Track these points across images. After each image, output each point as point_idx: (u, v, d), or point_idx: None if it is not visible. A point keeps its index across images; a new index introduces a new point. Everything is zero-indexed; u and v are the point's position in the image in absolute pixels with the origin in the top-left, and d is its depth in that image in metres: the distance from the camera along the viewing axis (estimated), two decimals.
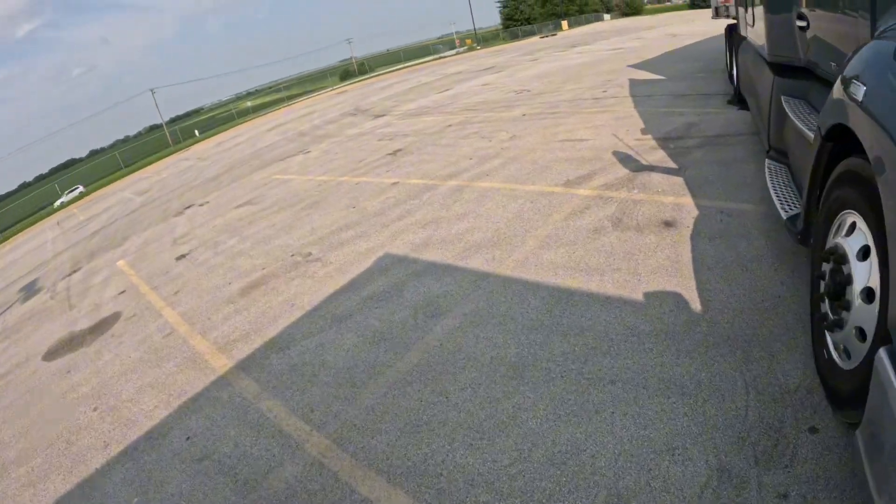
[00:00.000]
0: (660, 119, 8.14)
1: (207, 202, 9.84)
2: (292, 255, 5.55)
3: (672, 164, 5.98)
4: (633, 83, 11.79)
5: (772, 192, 3.25)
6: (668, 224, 4.30)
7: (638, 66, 14.67)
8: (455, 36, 57.15)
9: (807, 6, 3.08)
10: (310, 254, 5.45)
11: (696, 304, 2.95)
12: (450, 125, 10.40)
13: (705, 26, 28.42)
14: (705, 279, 3.20)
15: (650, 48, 19.12)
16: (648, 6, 76.92)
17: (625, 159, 6.41)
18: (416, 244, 5.02)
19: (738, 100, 7.96)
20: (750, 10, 5.18)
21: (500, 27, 72.74)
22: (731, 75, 9.82)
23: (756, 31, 4.76)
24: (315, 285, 4.71)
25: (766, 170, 3.63)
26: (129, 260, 7.80)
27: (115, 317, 5.67)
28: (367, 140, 10.78)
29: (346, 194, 7.28)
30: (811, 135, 2.62)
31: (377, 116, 13.91)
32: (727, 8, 8.24)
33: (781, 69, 3.82)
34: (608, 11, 66.11)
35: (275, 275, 5.19)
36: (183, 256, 6.87)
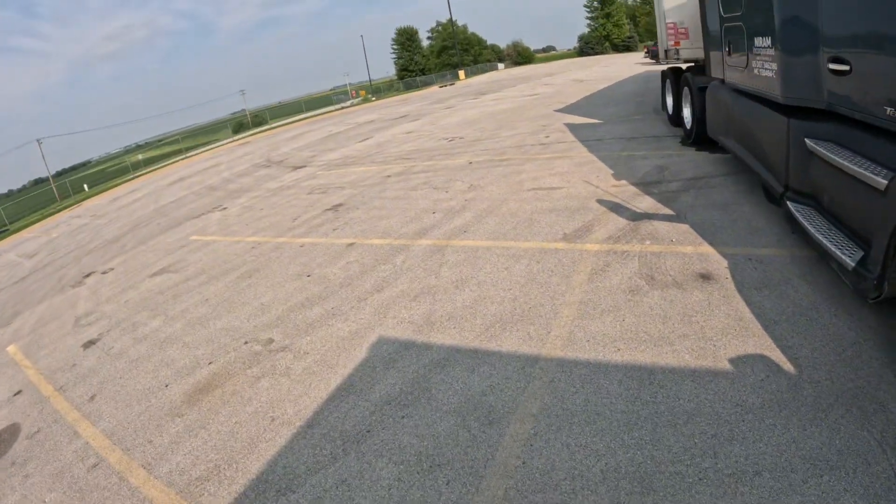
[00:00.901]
0: (625, 163, 8.07)
1: (112, 269, 8.21)
2: (246, 343, 4.44)
3: (668, 211, 5.76)
4: (573, 127, 11.94)
5: (819, 237, 3.25)
6: (706, 277, 4.06)
7: (565, 111, 15.09)
8: (349, 87, 57.49)
9: (850, 51, 3.14)
10: (271, 340, 4.39)
11: (787, 365, 2.83)
12: (388, 175, 9.76)
13: (605, 71, 30.96)
14: (779, 335, 3.11)
15: (566, 93, 20.04)
16: (538, 55, 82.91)
17: (615, 208, 6.11)
18: (416, 323, 4.20)
19: (698, 141, 8.16)
20: (739, 54, 5.26)
21: (395, 78, 74.67)
22: (673, 117, 10.16)
23: (750, 74, 4.85)
24: (296, 387, 3.69)
25: (796, 213, 3.66)
26: (21, 345, 6.07)
27: (13, 432, 4.14)
28: (295, 194, 9.80)
29: (293, 259, 6.27)
30: (879, 180, 2.66)
31: (297, 168, 12.93)
32: (677, 51, 8.45)
33: (797, 112, 3.90)
34: (501, 61, 70.24)
35: (229, 372, 4.07)
36: (92, 343, 5.39)
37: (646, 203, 6.18)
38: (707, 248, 4.66)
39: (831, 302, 3.37)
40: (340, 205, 8.28)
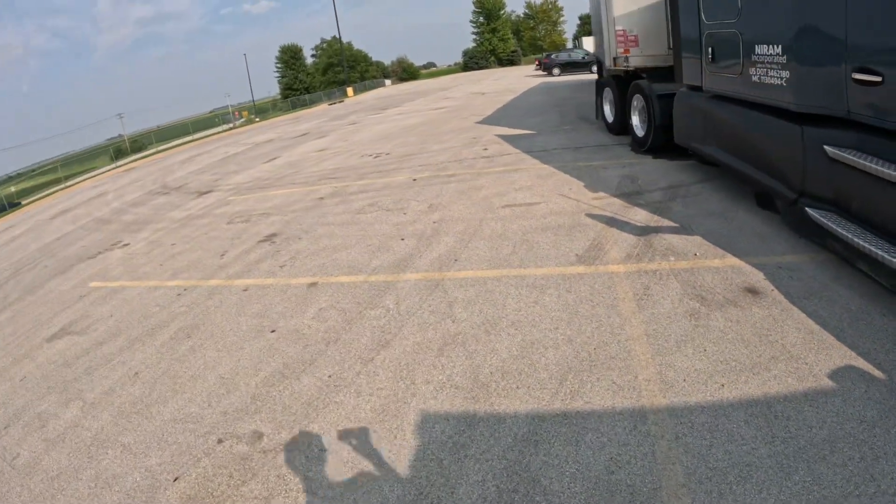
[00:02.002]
0: (590, 174, 7.68)
1: None
2: (221, 442, 3.17)
3: (670, 223, 5.43)
4: (508, 139, 11.50)
5: (858, 240, 3.36)
6: (752, 291, 3.84)
7: (487, 123, 14.71)
8: (230, 108, 54.19)
9: (882, 63, 3.26)
10: (258, 434, 3.18)
11: (875, 372, 2.83)
12: (320, 198, 8.60)
13: (500, 84, 31.57)
14: (851, 342, 3.10)
15: (474, 106, 19.82)
16: (422, 71, 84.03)
17: (612, 222, 5.62)
18: (462, 387, 3.27)
19: (655, 149, 8.13)
20: (729, 61, 5.25)
21: (279, 97, 72.31)
22: (614, 125, 10.01)
23: (746, 82, 4.90)
24: None
25: (821, 219, 3.80)
26: None
27: None
28: (211, 224, 8.30)
29: (241, 309, 5.00)
30: None
31: (202, 194, 11.20)
32: (626, 59, 8.23)
33: (810, 120, 4.02)
34: (387, 77, 70.21)
35: (212, 494, 2.84)
36: None
37: (640, 215, 5.74)
38: (734, 261, 4.40)
39: (875, 302, 3.47)
40: (275, 235, 7.02)
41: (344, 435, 3.03)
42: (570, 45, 65.57)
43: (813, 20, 3.91)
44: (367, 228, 6.60)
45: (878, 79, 3.25)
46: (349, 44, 75.75)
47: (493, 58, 70.24)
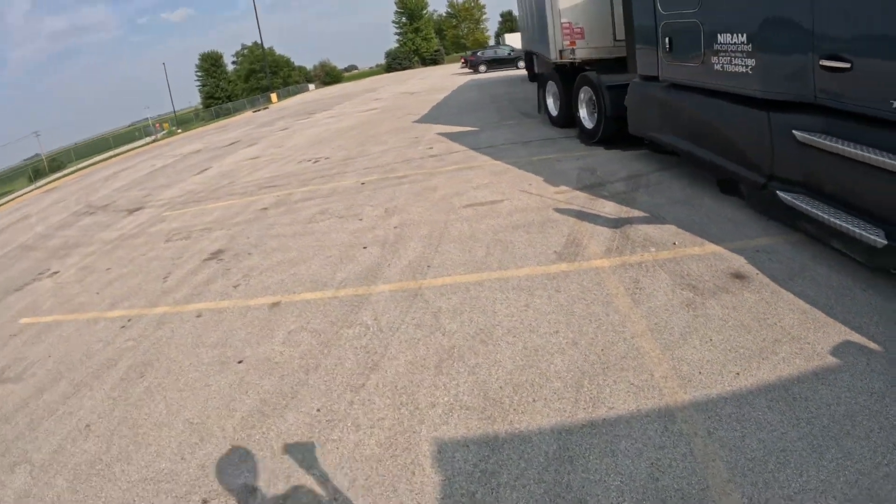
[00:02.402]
0: (546, 168, 7.60)
1: None
2: (206, 503, 2.75)
3: (640, 213, 5.45)
4: (452, 136, 11.32)
5: (835, 220, 3.48)
6: (739, 276, 3.89)
7: (425, 122, 14.49)
8: (151, 120, 50.97)
9: (851, 51, 3.39)
10: (250, 489, 2.75)
11: (871, 345, 2.94)
12: (264, 208, 8.07)
13: (428, 83, 31.48)
14: (843, 318, 3.20)
15: (407, 106, 19.56)
16: (345, 74, 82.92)
17: (583, 216, 5.53)
18: (473, 407, 3.01)
19: (605, 139, 8.21)
20: (688, 50, 5.30)
21: (200, 107, 69.52)
22: (559, 118, 10.02)
23: (707, 70, 5.00)
24: None
25: (795, 201, 3.91)
26: None
27: None
28: (148, 244, 7.56)
29: (198, 338, 4.49)
30: None
31: (132, 211, 10.24)
32: (573, 51, 8.21)
33: (775, 106, 4.17)
34: (310, 82, 68.71)
35: None
36: None
37: (609, 207, 5.69)
38: (713, 247, 4.42)
39: (853, 278, 3.61)
40: (221, 251, 6.47)
41: (352, 478, 2.68)
42: (492, 42, 66.41)
43: (779, 10, 4.00)
44: (323, 238, 6.19)
45: (847, 65, 3.38)
46: (271, 49, 73.75)
47: (416, 58, 70.15)
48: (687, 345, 3.21)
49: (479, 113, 14.77)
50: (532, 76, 21.13)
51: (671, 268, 4.23)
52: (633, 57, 6.66)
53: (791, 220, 4.15)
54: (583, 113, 8.95)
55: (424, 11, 74.34)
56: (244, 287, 5.26)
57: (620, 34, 8.16)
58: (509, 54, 35.74)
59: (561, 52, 8.61)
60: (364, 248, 5.65)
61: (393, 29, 75.11)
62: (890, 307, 3.26)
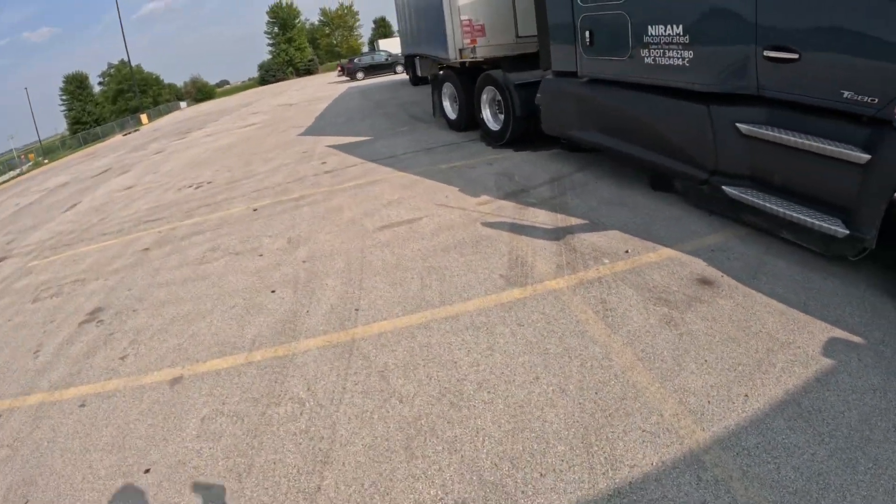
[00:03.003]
0: (459, 176, 7.03)
1: None
2: None
3: (578, 220, 5.10)
4: (344, 148, 10.46)
5: (793, 214, 3.38)
6: (706, 281, 3.63)
7: (311, 134, 13.49)
8: (15, 152, 43.86)
9: (798, 41, 3.30)
10: None
11: (854, 338, 2.88)
12: (145, 249, 6.71)
13: (306, 94, 30.11)
14: (819, 314, 3.10)
15: (288, 118, 18.30)
16: (217, 90, 78.35)
17: (516, 229, 5.05)
18: (468, 498, 2.26)
19: (514, 140, 7.81)
20: (614, 44, 5.02)
21: (67, 133, 62.26)
22: (458, 121, 9.49)
23: (638, 64, 4.75)
24: None
25: (740, 195, 3.80)
26: None
27: None
28: (13, 305, 5.76)
29: (86, 441, 3.27)
30: (860, 155, 2.99)
31: None
32: (473, 50, 7.68)
33: (714, 99, 4.04)
34: (181, 99, 63.98)
35: None
36: None
37: (541, 216, 5.20)
38: (668, 251, 4.11)
39: (810, 268, 3.57)
40: (100, 310, 5.12)
41: None
42: (365, 49, 65.44)
43: (722, 3, 3.82)
44: (221, 283, 5.11)
45: (795, 56, 3.28)
46: (139, 67, 67.42)
47: (290, 69, 67.43)
48: (684, 371, 2.80)
49: (368, 120, 13.94)
50: (415, 80, 20.63)
51: (633, 280, 3.78)
52: (546, 53, 6.23)
53: (735, 213, 4.04)
54: (487, 114, 8.44)
55: (297, 20, 71.73)
56: (134, 358, 4.08)
57: (523, 30, 7.74)
58: (386, 60, 35.14)
59: (461, 51, 8.02)
60: (272, 292, 4.67)
61: (265, 40, 71.82)
62: (856, 293, 3.24)
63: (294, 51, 68.78)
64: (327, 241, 5.55)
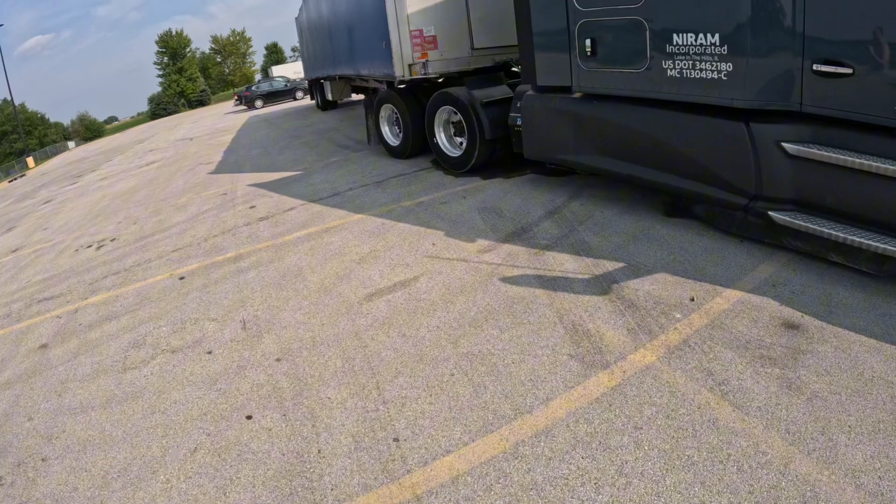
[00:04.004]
0: (434, 216, 5.78)
1: None
2: None
3: (613, 263, 4.10)
4: (272, 187, 8.78)
5: (855, 238, 3.05)
6: (792, 326, 3.00)
7: (225, 172, 11.57)
8: None
9: (852, 55, 2.95)
10: None
11: None
12: (42, 346, 4.66)
13: (204, 126, 27.19)
14: None
15: (192, 155, 16.00)
16: (107, 126, 71.24)
17: (550, 283, 4.03)
18: None
19: (480, 167, 6.75)
20: (625, 54, 4.22)
21: None
22: (402, 148, 8.22)
23: (658, 77, 3.96)
24: None
25: (792, 221, 3.38)
26: None
27: None
28: None
29: None
30: None
31: None
32: (425, 65, 6.43)
33: (754, 116, 3.51)
34: (68, 139, 56.98)
35: None
36: None
37: (568, 262, 4.12)
38: (732, 293, 3.41)
39: (872, 293, 3.18)
40: None
41: None
42: (258, 76, 61.94)
43: (763, 7, 3.28)
44: (164, 405, 3.40)
45: (849, 71, 2.96)
46: (22, 105, 59.02)
47: (182, 100, 62.23)
48: (838, 446, 2.18)
49: (289, 152, 12.20)
50: (324, 105, 19.02)
51: (722, 338, 2.94)
52: (528, 65, 5.11)
53: (772, 238, 3.64)
54: (442, 138, 7.18)
55: (188, 49, 66.35)
56: None
57: (479, 41, 6.58)
58: (285, 86, 32.95)
59: (411, 66, 6.69)
60: (248, 418, 3.09)
61: (155, 71, 65.90)
62: None
63: (185, 81, 63.54)
64: (301, 324, 4.01)
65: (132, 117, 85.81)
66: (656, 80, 3.94)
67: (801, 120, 3.28)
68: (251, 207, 7.72)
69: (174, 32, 65.43)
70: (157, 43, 64.92)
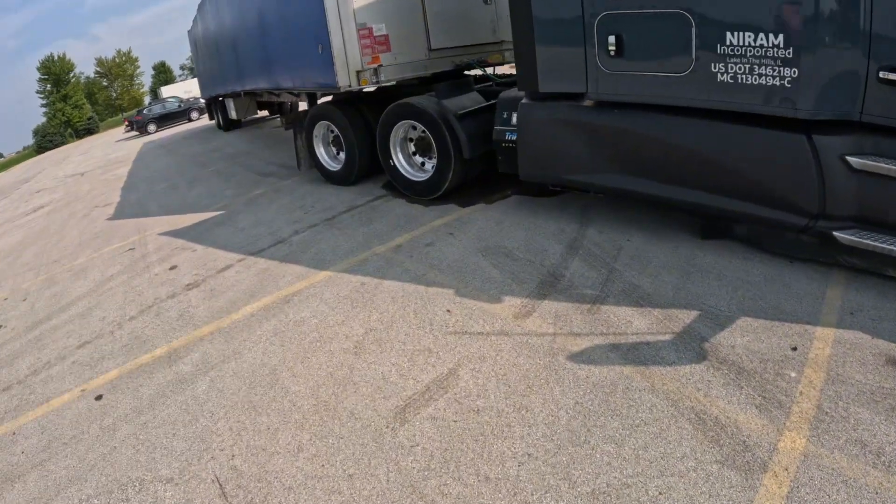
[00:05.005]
0: (426, 266, 4.48)
1: None
2: None
3: (683, 312, 3.17)
4: (191, 236, 6.89)
5: None
6: (893, 361, 2.43)
7: (128, 216, 9.24)
8: None
9: None
10: None
11: None
12: None
13: (96, 158, 23.22)
14: None
15: (86, 195, 13.09)
16: None
17: (631, 356, 2.99)
18: None
19: (449, 193, 5.44)
20: (677, 54, 3.32)
21: None
22: (345, 172, 6.72)
23: (706, 82, 3.20)
24: None
25: (861, 241, 2.90)
26: None
27: None
28: None
29: None
30: None
31: None
32: (376, 71, 4.98)
33: (815, 127, 2.95)
34: None
35: None
36: None
37: (633, 320, 3.23)
38: (821, 331, 2.78)
39: None
40: None
41: None
42: (147, 99, 55.68)
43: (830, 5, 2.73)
44: None
45: None
46: None
47: (69, 130, 54.34)
48: None
49: (200, 186, 10.08)
50: (226, 125, 16.72)
51: (848, 394, 2.36)
52: (526, 67, 3.94)
53: (826, 256, 3.20)
54: (400, 159, 5.75)
55: (71, 74, 57.82)
56: None
57: (438, 40, 5.20)
58: (179, 106, 29.36)
59: (359, 73, 5.15)
60: None
61: (38, 101, 56.90)
62: None
63: (71, 109, 55.30)
64: (313, 480, 2.50)
65: (18, 152, 74.30)
66: (703, 86, 3.16)
67: (859, 131, 2.88)
68: (171, 268, 5.81)
69: (56, 57, 57.04)
70: (38, 70, 56.08)
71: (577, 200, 4.74)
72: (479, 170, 5.07)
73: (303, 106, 10.10)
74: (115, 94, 63.25)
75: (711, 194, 3.38)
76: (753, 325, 2.85)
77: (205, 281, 5.08)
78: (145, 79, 70.36)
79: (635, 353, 2.77)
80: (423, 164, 5.61)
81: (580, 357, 2.82)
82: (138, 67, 66.46)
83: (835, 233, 3.01)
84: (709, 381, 2.50)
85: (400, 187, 5.86)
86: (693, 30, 3.05)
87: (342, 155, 6.79)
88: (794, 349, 2.65)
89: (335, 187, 7.13)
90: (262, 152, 11.96)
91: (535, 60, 3.77)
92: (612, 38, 3.34)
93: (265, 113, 16.96)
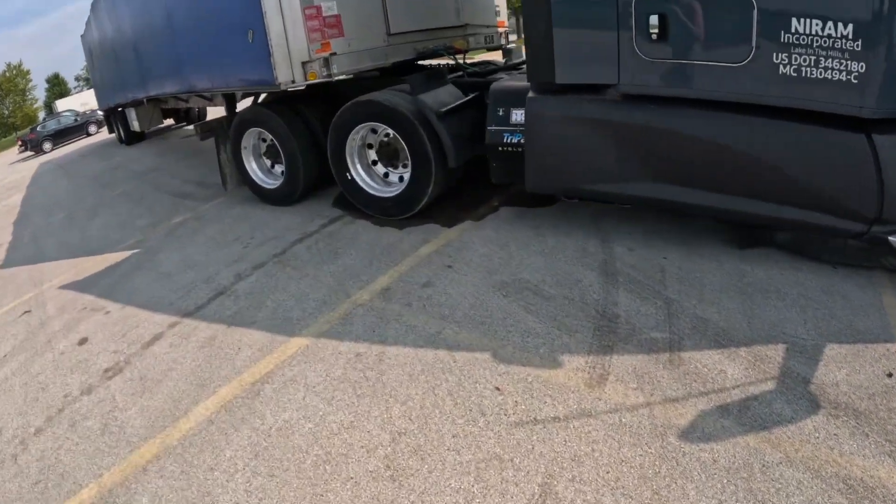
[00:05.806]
0: (434, 316, 3.40)
1: None
2: None
3: (767, 348, 2.54)
4: (103, 289, 5.23)
5: None
6: None
7: (20, 262, 7.13)
8: None
9: None
10: None
11: None
12: None
13: None
14: None
15: None
16: None
17: (755, 425, 2.23)
18: None
19: (430, 205, 4.45)
20: (735, 41, 2.76)
21: None
22: (284, 192, 5.44)
23: (769, 75, 2.59)
24: None
25: None
26: None
27: None
28: None
29: None
30: None
31: None
32: (327, 61, 3.77)
33: (873, 126, 2.53)
34: None
35: None
36: None
37: (725, 368, 2.57)
38: None
39: None
40: None
41: None
42: (42, 114, 48.45)
43: None
44: None
45: None
46: None
47: None
48: None
49: (105, 214, 8.11)
50: (128, 138, 14.38)
51: None
52: (540, 53, 3.04)
53: (871, 261, 2.86)
54: (360, 171, 4.53)
55: None
56: None
57: (398, 24, 4.03)
58: (76, 121, 25.44)
59: (305, 65, 3.84)
60: None
61: None
62: None
63: None
64: None
65: None
66: (762, 79, 2.64)
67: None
68: (81, 342, 4.23)
69: None
70: None
71: (581, 209, 3.83)
72: (457, 179, 4.00)
73: (217, 112, 8.29)
74: (7, 112, 54.41)
75: (761, 202, 2.83)
76: (841, 353, 2.44)
77: (128, 362, 3.66)
78: (39, 92, 61.04)
79: (749, 416, 2.07)
80: (386, 174, 4.43)
81: (694, 434, 1.97)
82: (30, 81, 57.32)
83: (890, 238, 2.68)
84: (835, 434, 2.02)
85: (360, 205, 4.65)
86: (755, 13, 2.50)
87: (279, 168, 5.41)
88: (890, 375, 2.28)
89: (273, 208, 5.73)
90: (174, 167, 10.05)
91: (551, 45, 2.79)
92: (654, 19, 2.60)
93: (171, 122, 14.74)
